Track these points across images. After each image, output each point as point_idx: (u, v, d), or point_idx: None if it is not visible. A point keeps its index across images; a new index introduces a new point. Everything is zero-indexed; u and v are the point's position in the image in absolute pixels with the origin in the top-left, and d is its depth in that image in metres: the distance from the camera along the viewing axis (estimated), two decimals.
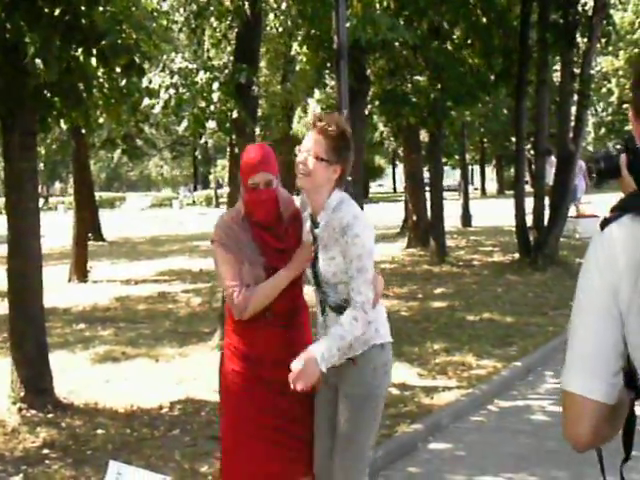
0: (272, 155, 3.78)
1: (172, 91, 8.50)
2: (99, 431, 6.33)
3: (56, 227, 25.40)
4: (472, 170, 74.45)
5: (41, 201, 60.12)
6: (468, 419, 6.75)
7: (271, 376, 3.66)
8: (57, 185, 77.17)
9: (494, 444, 6.13)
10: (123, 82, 7.22)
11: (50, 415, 6.68)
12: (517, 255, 15.73)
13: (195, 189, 67.28)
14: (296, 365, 3.33)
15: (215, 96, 8.44)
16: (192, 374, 7.94)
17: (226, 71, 8.71)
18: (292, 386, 3.33)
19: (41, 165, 61.59)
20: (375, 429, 3.68)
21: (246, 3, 8.75)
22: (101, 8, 6.68)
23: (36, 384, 6.89)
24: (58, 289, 14.01)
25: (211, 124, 8.65)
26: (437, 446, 6.14)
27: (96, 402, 7.09)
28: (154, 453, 5.75)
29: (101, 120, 7.85)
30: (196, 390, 7.37)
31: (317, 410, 3.75)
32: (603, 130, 52.76)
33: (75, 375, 8.04)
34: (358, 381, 3.60)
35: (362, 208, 3.98)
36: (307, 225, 3.73)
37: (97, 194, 38.21)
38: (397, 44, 12.43)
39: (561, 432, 1.75)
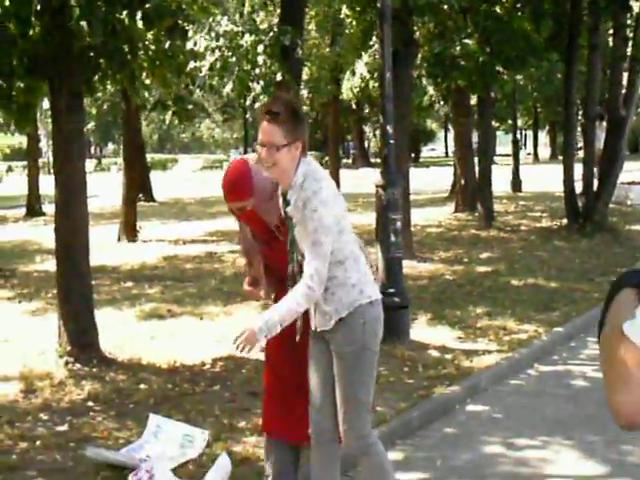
0: (244, 181, 3.85)
1: (217, 54, 8.53)
2: (142, 386, 6.47)
3: (109, 187, 25.75)
4: (525, 135, 73.49)
5: (94, 162, 60.96)
6: (507, 382, 6.75)
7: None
8: (110, 146, 77.98)
9: (532, 408, 6.13)
10: (167, 44, 7.26)
11: (95, 369, 6.85)
12: (565, 221, 15.55)
13: (245, 151, 67.44)
14: (239, 335, 3.58)
15: (260, 59, 8.46)
16: (235, 332, 8.01)
17: (271, 34, 8.70)
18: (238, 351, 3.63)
19: (92, 125, 62.42)
20: (372, 382, 3.81)
21: None
22: None
23: (82, 339, 7.07)
24: (107, 248, 14.27)
25: (256, 86, 8.68)
26: (474, 408, 6.16)
27: (140, 357, 7.24)
28: (194, 408, 5.87)
29: (147, 82, 7.90)
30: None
31: (311, 364, 3.90)
32: None
33: (121, 331, 8.21)
34: (349, 339, 3.72)
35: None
36: (280, 202, 3.83)
37: (149, 156, 38.61)
38: (445, 7, 12.25)
39: (600, 397, 1.55)
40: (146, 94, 11.34)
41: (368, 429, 3.83)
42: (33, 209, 22.09)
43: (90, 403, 6.15)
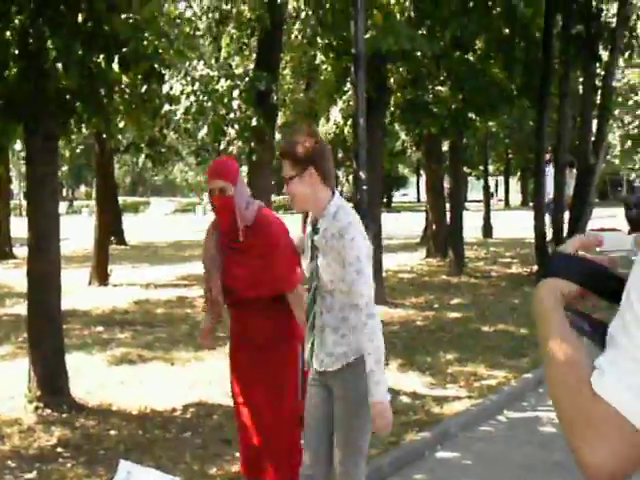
0: (232, 167, 4.18)
1: (193, 98, 8.64)
2: (112, 432, 6.44)
3: (80, 230, 25.65)
4: (497, 181, 74.26)
5: (66, 204, 60.58)
6: (477, 429, 6.79)
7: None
8: (82, 189, 77.74)
9: (501, 454, 6.17)
10: (144, 88, 7.34)
11: (65, 415, 6.80)
12: (536, 267, 15.71)
13: None
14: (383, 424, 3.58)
15: (235, 103, 8.58)
16: (206, 378, 8.03)
17: (246, 79, 8.83)
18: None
19: (65, 168, 62.19)
20: (369, 429, 3.77)
21: (265, 12, 8.88)
22: (124, 16, 6.81)
23: (52, 384, 7.02)
24: (78, 292, 14.18)
25: (231, 131, 8.78)
26: (444, 455, 6.19)
27: (110, 403, 7.21)
28: (165, 454, 5.85)
29: (121, 125, 7.96)
30: (209, 394, 7.47)
31: (311, 410, 3.89)
32: (629, 143, 52.41)
33: (91, 376, 8.16)
34: (354, 386, 3.72)
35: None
36: (308, 230, 3.89)
37: (121, 198, 38.58)
38: (418, 54, 12.49)
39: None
40: (119, 137, 11.40)
41: (362, 477, 3.84)
42: (3, 252, 21.92)
43: (59, 449, 6.11)
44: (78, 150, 22.20)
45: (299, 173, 3.72)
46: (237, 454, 5.87)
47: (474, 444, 6.42)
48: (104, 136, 10.68)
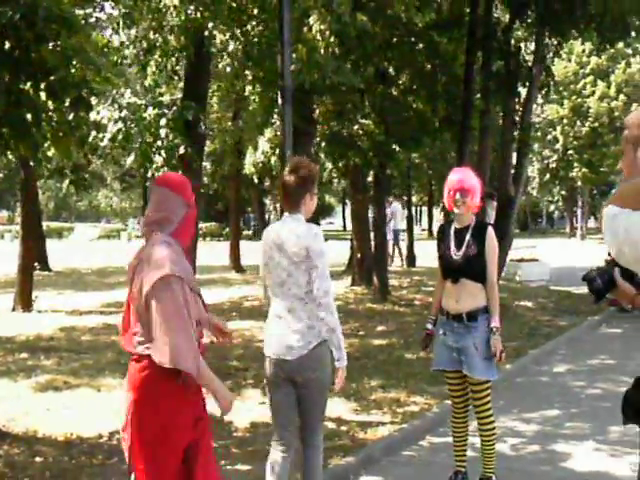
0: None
1: (120, 125, 8.68)
2: (37, 459, 6.41)
3: (2, 255, 25.18)
4: (420, 211, 75.42)
5: None
6: (400, 453, 6.97)
7: None
8: (4, 213, 76.11)
9: (423, 478, 6.36)
10: (71, 116, 7.37)
11: None
12: None
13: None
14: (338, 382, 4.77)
15: (162, 131, 8.67)
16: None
17: (174, 108, 8.93)
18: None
19: None
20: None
21: (191, 43, 9.00)
22: (51, 44, 6.84)
23: None
24: (1, 318, 13.99)
25: (158, 159, 8.85)
26: (368, 479, 6.35)
27: (35, 430, 7.16)
28: None
29: (50, 153, 7.96)
30: None
31: (274, 390, 4.85)
32: (548, 176, 53.91)
33: (15, 403, 8.08)
34: (320, 367, 4.74)
35: None
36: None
37: (45, 223, 37.94)
38: (343, 87, 12.76)
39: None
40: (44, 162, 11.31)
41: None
42: None
43: None
44: (1, 175, 21.81)
45: (306, 196, 4.83)
46: None
47: (397, 468, 6.60)
48: (31, 162, 10.60)
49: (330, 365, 4.79)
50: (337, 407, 8.00)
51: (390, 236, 25.90)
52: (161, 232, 3.80)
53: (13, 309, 15.34)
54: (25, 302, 15.30)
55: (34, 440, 6.92)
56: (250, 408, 8.01)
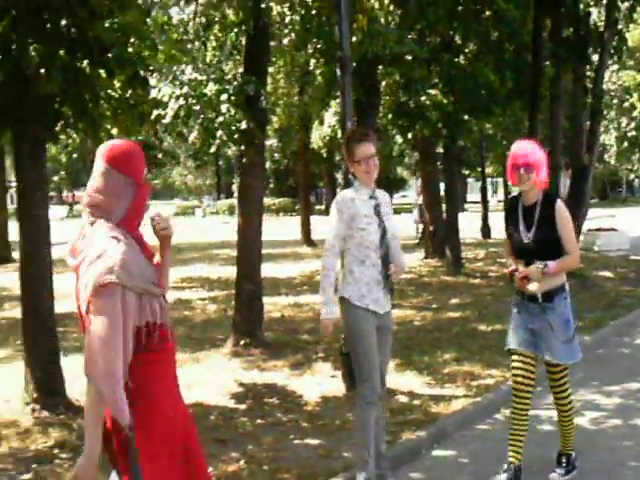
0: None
1: (182, 102, 8.63)
2: None
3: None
4: (496, 183, 74.26)
5: (66, 208, 60.60)
6: (474, 427, 6.78)
7: None
8: (81, 192, 77.75)
9: (498, 452, 6.14)
10: (129, 93, 7.35)
11: (61, 416, 6.80)
12: None
13: (219, 197, 67.62)
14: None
15: (224, 107, 8.57)
16: (203, 379, 8.04)
17: (235, 83, 8.83)
18: None
19: (63, 173, 62.14)
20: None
21: (250, 17, 8.88)
22: (108, 22, 6.82)
23: (48, 386, 7.02)
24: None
25: (220, 134, 8.78)
26: (441, 453, 6.19)
27: None
28: None
29: (114, 131, 7.97)
30: (206, 395, 7.47)
31: (370, 335, 5.10)
32: (626, 144, 52.42)
33: None
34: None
35: None
36: (371, 202, 5.12)
37: None
38: (409, 58, 12.48)
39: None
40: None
41: None
42: (2, 256, 21.94)
43: (56, 451, 6.11)
44: (75, 155, 22.18)
45: (376, 153, 5.07)
46: (233, 454, 5.90)
47: (470, 442, 6.42)
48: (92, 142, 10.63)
49: (345, 319, 5.15)
50: (409, 380, 7.86)
51: (416, 213, 25.73)
52: (105, 221, 3.12)
53: None
54: None
55: None
56: (320, 382, 7.93)
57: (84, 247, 3.11)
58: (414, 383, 7.81)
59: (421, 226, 26.51)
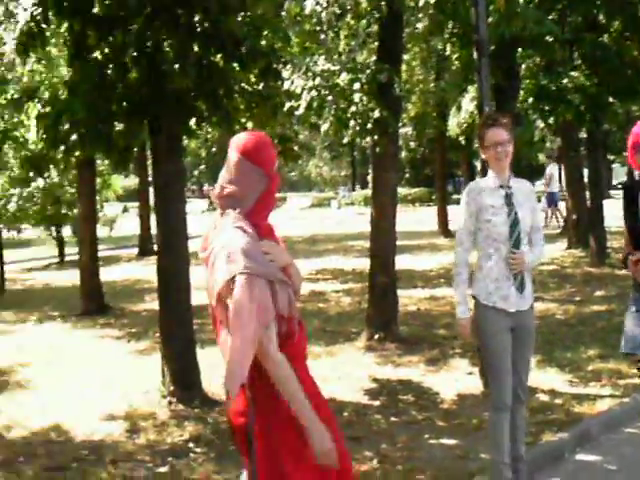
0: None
1: (314, 93, 8.55)
2: None
3: None
4: None
5: (206, 202, 62.42)
6: (621, 430, 6.38)
7: None
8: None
9: None
10: (261, 86, 7.35)
11: (197, 410, 6.89)
12: None
13: (353, 189, 67.83)
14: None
15: (356, 96, 8.45)
16: (337, 373, 7.96)
17: (368, 71, 8.68)
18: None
19: (203, 167, 63.77)
20: None
21: (383, 2, 8.71)
22: (240, 15, 6.82)
23: (184, 379, 7.12)
24: None
25: (353, 124, 8.66)
26: (585, 457, 5.85)
27: None
28: None
29: (248, 124, 8.00)
30: (340, 390, 7.39)
31: (503, 339, 4.78)
32: None
33: (224, 371, 8.21)
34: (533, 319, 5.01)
35: None
36: (501, 192, 4.79)
37: None
38: (549, 39, 11.96)
39: None
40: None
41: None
42: (145, 249, 22.64)
43: (191, 444, 6.19)
44: (214, 149, 22.63)
45: (510, 139, 4.75)
46: (366, 452, 5.78)
47: (618, 447, 6.02)
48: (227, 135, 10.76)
49: (475, 318, 4.88)
50: (551, 378, 7.52)
51: (544, 201, 24.77)
52: (234, 210, 3.11)
53: None
54: None
55: None
56: (457, 378, 7.70)
57: (213, 239, 3.14)
58: (555, 381, 7.46)
59: (550, 214, 25.67)
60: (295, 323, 3.14)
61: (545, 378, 7.50)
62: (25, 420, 7.00)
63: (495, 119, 4.86)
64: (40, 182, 20.91)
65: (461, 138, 26.01)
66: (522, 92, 14.37)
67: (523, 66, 14.16)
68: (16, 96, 11.71)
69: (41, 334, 11.43)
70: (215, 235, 3.14)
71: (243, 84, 7.44)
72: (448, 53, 15.45)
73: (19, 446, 6.36)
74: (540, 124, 20.10)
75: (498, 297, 4.75)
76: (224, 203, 3.17)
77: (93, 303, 13.02)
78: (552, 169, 25.57)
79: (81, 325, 12.03)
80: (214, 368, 8.15)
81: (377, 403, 7.10)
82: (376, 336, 9.25)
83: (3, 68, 12.64)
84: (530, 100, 14.84)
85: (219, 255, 3.01)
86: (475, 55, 7.61)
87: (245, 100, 7.38)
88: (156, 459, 5.91)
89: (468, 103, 19.74)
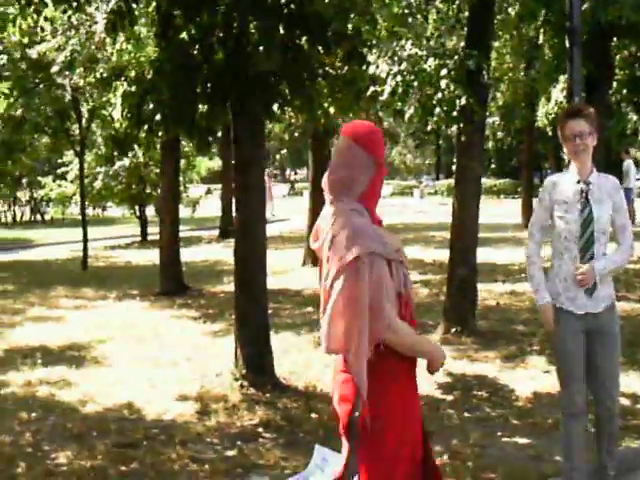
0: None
1: (399, 78, 8.40)
2: (313, 415, 6.42)
3: (300, 212, 26.24)
4: None
5: (288, 186, 62.66)
6: None
7: None
8: (305, 171, 79.95)
9: None
10: (345, 69, 7.24)
11: (268, 394, 6.87)
12: None
13: (437, 178, 67.14)
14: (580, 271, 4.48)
15: (443, 83, 8.26)
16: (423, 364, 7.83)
17: (456, 57, 8.48)
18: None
19: (285, 151, 63.96)
20: None
21: None
22: None
23: (257, 363, 7.11)
24: (291, 271, 14.49)
25: (438, 111, 8.48)
26: None
27: (314, 385, 7.20)
28: None
29: (332, 110, 7.91)
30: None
31: (572, 343, 4.59)
32: None
33: (297, 357, 8.20)
34: (616, 321, 4.71)
35: None
36: (577, 187, 4.56)
37: None
38: None
39: None
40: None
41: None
42: (226, 230, 22.82)
43: (260, 429, 6.18)
44: (296, 133, 22.61)
45: (592, 132, 4.49)
46: (437, 447, 5.65)
47: None
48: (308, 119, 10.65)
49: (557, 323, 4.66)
50: (633, 381, 7.23)
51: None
52: (346, 197, 3.17)
53: (303, 263, 15.83)
54: (315, 257, 15.68)
55: (312, 395, 6.94)
56: (534, 376, 7.49)
57: (324, 228, 3.20)
58: (638, 385, 7.18)
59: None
60: (411, 304, 3.22)
61: (627, 381, 7.19)
62: (99, 396, 7.11)
63: (577, 110, 4.67)
64: (125, 161, 21.29)
65: (549, 129, 25.42)
66: (615, 83, 13.93)
67: (617, 56, 13.70)
68: (105, 75, 11.90)
69: (120, 312, 11.61)
70: (327, 224, 3.18)
71: (327, 68, 7.33)
72: (540, 42, 15.09)
73: (92, 421, 6.46)
74: (633, 117, 19.50)
75: (565, 298, 4.57)
76: (334, 188, 3.22)
77: (172, 283, 13.15)
78: (629, 165, 24.73)
79: (159, 304, 12.19)
80: (287, 354, 8.17)
81: (450, 397, 6.96)
82: (453, 329, 9.09)
83: (93, 47, 12.82)
84: (624, 92, 14.38)
85: (339, 237, 3.06)
86: (567, 44, 7.36)
87: (328, 84, 7.28)
88: (225, 442, 5.92)
89: (558, 93, 19.32)
